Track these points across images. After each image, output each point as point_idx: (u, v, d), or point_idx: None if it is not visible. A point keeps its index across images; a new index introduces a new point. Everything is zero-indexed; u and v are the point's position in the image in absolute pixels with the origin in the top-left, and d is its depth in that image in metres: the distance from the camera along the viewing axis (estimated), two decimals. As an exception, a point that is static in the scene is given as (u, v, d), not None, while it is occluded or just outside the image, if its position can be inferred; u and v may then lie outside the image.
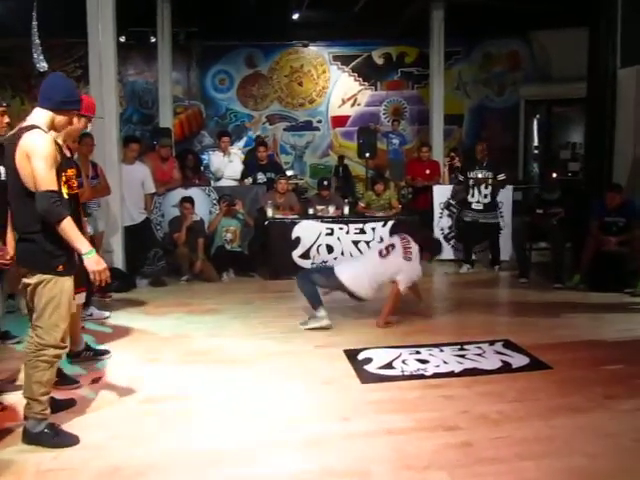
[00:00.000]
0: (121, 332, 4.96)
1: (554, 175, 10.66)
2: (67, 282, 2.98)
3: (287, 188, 7.79)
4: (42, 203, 2.80)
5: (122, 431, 3.16)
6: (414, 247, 5.16)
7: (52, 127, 3.00)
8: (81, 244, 2.93)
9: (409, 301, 5.48)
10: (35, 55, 6.68)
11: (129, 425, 3.24)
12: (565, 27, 10.59)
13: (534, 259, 7.26)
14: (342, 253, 7.22)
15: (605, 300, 6.00)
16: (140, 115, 12.79)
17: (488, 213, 7.45)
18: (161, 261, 7.37)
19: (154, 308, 5.79)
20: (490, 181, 7.38)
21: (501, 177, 7.45)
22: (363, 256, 5.79)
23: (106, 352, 4.34)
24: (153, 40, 10.93)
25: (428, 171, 8.64)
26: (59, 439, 2.99)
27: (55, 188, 2.85)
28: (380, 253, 5.17)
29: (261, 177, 8.09)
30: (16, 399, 3.33)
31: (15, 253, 3.22)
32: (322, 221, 7.26)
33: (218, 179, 8.31)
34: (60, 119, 3.01)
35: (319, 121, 13.26)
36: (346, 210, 7.52)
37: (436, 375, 3.92)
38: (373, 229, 7.27)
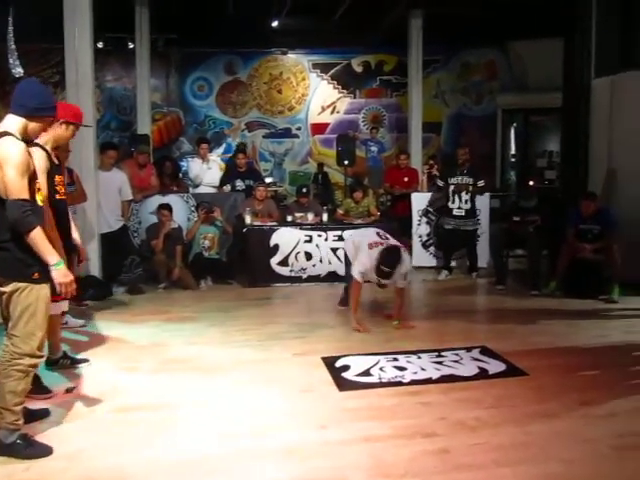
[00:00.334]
0: (97, 340, 4.91)
1: (531, 183, 10.80)
2: (43, 290, 2.94)
3: (266, 195, 7.78)
4: (12, 212, 2.76)
5: (97, 441, 3.12)
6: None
7: (25, 134, 2.95)
8: (50, 255, 2.88)
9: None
10: (11, 60, 6.62)
11: (104, 435, 3.19)
12: (541, 38, 10.74)
13: (511, 266, 7.32)
14: (321, 260, 7.22)
15: (581, 307, 6.08)
16: (118, 121, 12.68)
17: (468, 220, 7.51)
18: (138, 268, 7.30)
19: (131, 316, 5.72)
20: (471, 187, 7.44)
21: (481, 183, 7.51)
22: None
23: (84, 360, 4.29)
24: (131, 46, 10.86)
25: (406, 178, 8.69)
26: (32, 450, 2.93)
27: (26, 197, 2.81)
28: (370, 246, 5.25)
29: (240, 184, 8.07)
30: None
31: None
32: (301, 228, 7.25)
33: (197, 186, 8.27)
34: (34, 126, 2.97)
35: (298, 128, 13.27)
36: (325, 217, 7.52)
37: (413, 382, 3.93)
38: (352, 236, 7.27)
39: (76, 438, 3.14)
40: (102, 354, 4.56)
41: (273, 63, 13.16)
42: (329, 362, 4.28)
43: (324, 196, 11.19)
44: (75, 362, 4.23)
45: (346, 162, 10.51)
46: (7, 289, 2.89)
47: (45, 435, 3.12)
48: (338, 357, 4.38)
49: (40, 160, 3.64)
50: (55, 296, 3.07)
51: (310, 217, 7.43)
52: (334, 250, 7.25)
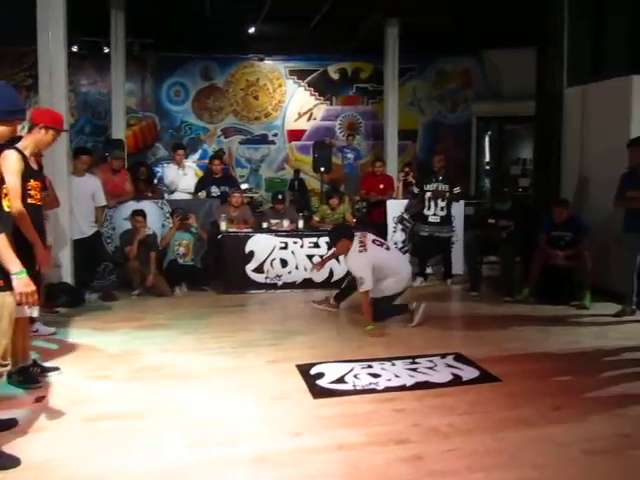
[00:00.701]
0: (68, 348, 4.83)
1: (506, 189, 10.93)
2: (7, 297, 2.88)
3: (241, 202, 7.75)
4: None
5: (66, 451, 3.06)
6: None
7: None
8: (12, 264, 2.83)
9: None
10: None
11: (73, 445, 3.13)
12: (515, 47, 10.89)
13: (485, 273, 7.37)
14: (296, 267, 7.21)
15: (553, 313, 6.15)
16: (92, 126, 12.55)
17: (444, 227, 7.55)
18: (112, 275, 7.22)
19: (103, 323, 5.64)
20: (447, 194, 7.48)
21: (457, 190, 7.56)
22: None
23: (55, 369, 4.21)
24: (106, 50, 10.78)
25: (382, 185, 8.73)
26: (-1, 461, 2.87)
27: None
28: (387, 249, 5.65)
29: (215, 190, 8.03)
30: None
31: None
32: (276, 235, 7.24)
33: (172, 192, 8.22)
34: (2, 129, 2.92)
35: (275, 135, 13.27)
36: (300, 224, 7.51)
37: (388, 389, 3.93)
38: (327, 243, 7.27)
39: (45, 448, 3.08)
40: (73, 362, 4.49)
41: (250, 69, 13.16)
42: (303, 369, 4.27)
43: (300, 203, 11.20)
44: (45, 370, 4.15)
45: (322, 169, 10.53)
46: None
47: (13, 445, 3.05)
48: (312, 364, 4.36)
49: (13, 162, 3.61)
50: None
51: (286, 224, 7.42)
52: (310, 257, 7.24)
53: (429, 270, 7.96)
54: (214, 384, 4.03)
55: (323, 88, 13.39)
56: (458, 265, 7.96)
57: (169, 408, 3.62)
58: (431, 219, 7.50)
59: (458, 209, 8.02)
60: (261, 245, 7.15)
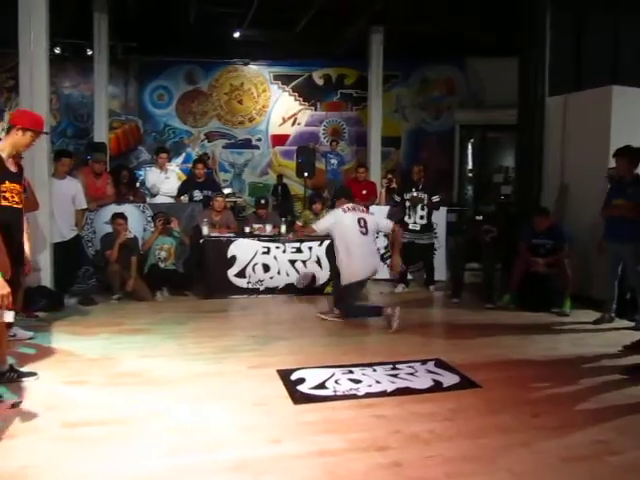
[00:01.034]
0: (46, 353, 4.76)
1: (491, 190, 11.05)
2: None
3: (224, 206, 7.73)
4: None
5: (42, 458, 3.01)
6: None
7: None
8: None
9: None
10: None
11: (50, 451, 3.08)
12: (498, 56, 10.99)
13: (466, 279, 7.41)
14: (278, 272, 7.19)
15: (533, 320, 6.20)
16: (75, 129, 12.44)
17: (424, 234, 7.58)
18: (92, 279, 7.15)
19: (83, 328, 5.58)
20: (425, 202, 7.53)
21: (435, 199, 7.60)
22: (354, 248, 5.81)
23: (32, 374, 4.15)
24: (89, 53, 10.70)
25: (365, 191, 8.75)
26: (-28, 467, 2.82)
27: None
28: (362, 232, 5.53)
29: (198, 195, 8.00)
30: None
31: None
32: (258, 240, 7.22)
33: (154, 195, 8.17)
34: None
35: (259, 139, 13.25)
36: (283, 229, 7.50)
37: (368, 395, 3.92)
38: (310, 248, 7.29)
39: (20, 455, 3.03)
40: (51, 367, 4.42)
41: (234, 74, 13.13)
42: (284, 375, 4.25)
43: (284, 207, 11.18)
44: (22, 376, 4.09)
45: (306, 174, 10.52)
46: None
47: (-13, 452, 3.01)
48: (293, 370, 4.35)
49: None
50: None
51: (268, 229, 7.40)
52: (292, 262, 7.23)
53: (410, 277, 7.98)
54: (194, 390, 3.99)
55: (307, 93, 13.40)
56: (440, 272, 7.99)
57: (148, 414, 3.58)
58: (411, 227, 7.54)
59: (440, 216, 8.07)
60: (243, 250, 7.13)
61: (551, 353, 5.01)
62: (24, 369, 4.22)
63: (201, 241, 7.14)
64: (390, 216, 8.07)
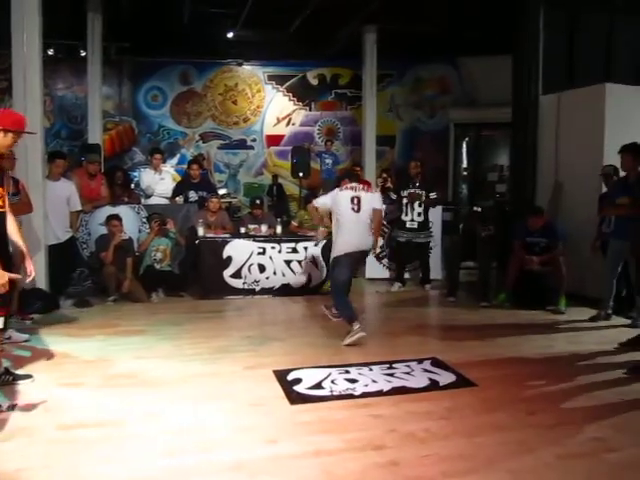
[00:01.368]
0: (41, 355, 4.74)
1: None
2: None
3: (219, 207, 7.73)
4: None
5: (38, 460, 3.00)
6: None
7: None
8: None
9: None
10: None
11: (45, 454, 3.08)
12: (491, 55, 10.99)
13: (462, 278, 7.42)
14: (274, 272, 7.19)
15: (529, 318, 6.22)
16: (69, 130, 12.41)
17: (421, 232, 7.59)
18: (87, 281, 7.13)
19: (78, 330, 5.57)
20: (423, 198, 7.51)
21: (433, 196, 7.59)
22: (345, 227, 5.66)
23: (28, 377, 4.14)
24: (83, 54, 10.67)
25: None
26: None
27: None
28: (353, 209, 5.46)
29: (193, 195, 8.00)
30: None
31: None
32: (254, 240, 7.21)
33: (148, 197, 8.15)
34: None
35: (253, 140, 13.23)
36: (278, 229, 7.50)
37: (365, 394, 3.93)
38: (305, 248, 7.28)
39: (16, 458, 3.02)
40: (46, 370, 4.41)
41: (228, 74, 13.11)
42: (280, 375, 4.25)
43: (279, 208, 11.18)
44: (17, 378, 4.08)
45: (301, 174, 10.53)
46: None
47: (-18, 455, 3.00)
48: (290, 370, 4.35)
49: None
50: None
51: (264, 229, 7.39)
52: (288, 262, 7.23)
53: (407, 275, 7.99)
54: (190, 391, 3.99)
55: (302, 93, 13.39)
56: (436, 270, 8.00)
57: (143, 415, 3.57)
58: (408, 225, 7.53)
59: (436, 215, 8.07)
60: (239, 250, 7.12)
61: (547, 351, 5.03)
62: (19, 371, 4.21)
63: (196, 242, 7.13)
64: (385, 214, 8.10)
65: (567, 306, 6.46)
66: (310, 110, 13.47)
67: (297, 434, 3.34)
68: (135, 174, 10.92)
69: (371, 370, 4.39)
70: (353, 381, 4.15)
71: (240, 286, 7.11)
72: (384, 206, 6.06)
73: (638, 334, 4.94)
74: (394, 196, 7.82)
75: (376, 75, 11.48)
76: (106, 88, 11.57)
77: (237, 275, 7.11)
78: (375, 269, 8.21)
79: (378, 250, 6.18)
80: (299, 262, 7.25)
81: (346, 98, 13.47)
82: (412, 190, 7.53)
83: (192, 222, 7.44)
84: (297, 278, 7.24)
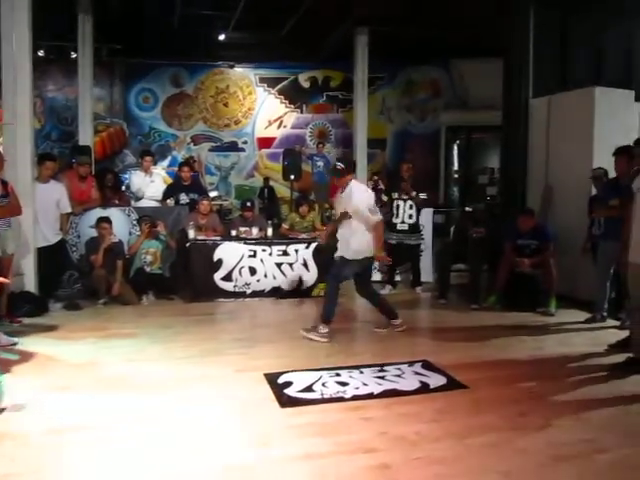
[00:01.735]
0: (30, 358, 4.70)
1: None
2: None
3: (210, 209, 7.71)
4: None
5: (25, 466, 2.97)
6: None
7: None
8: None
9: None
10: None
11: (32, 459, 3.05)
12: (482, 58, 11.05)
13: (453, 280, 7.43)
14: (265, 275, 7.17)
15: (519, 320, 6.23)
16: (59, 132, 12.37)
17: (412, 234, 7.58)
18: (77, 284, 7.07)
19: (68, 333, 5.53)
20: (414, 194, 7.46)
21: (423, 196, 7.57)
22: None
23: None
24: (74, 55, 10.63)
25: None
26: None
27: None
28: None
29: (184, 198, 7.97)
30: None
31: None
32: (245, 243, 7.19)
33: (139, 199, 8.12)
34: None
35: (244, 142, 13.24)
36: (269, 232, 7.48)
37: (355, 397, 3.92)
38: (296, 251, 7.27)
39: (4, 462, 2.99)
40: (35, 373, 4.38)
41: (220, 76, 13.12)
42: (271, 378, 4.23)
43: (270, 210, 11.19)
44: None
45: (292, 177, 10.52)
46: None
47: (-30, 460, 2.96)
48: (280, 373, 4.33)
49: None
50: None
51: (254, 232, 7.38)
52: (279, 265, 7.22)
53: (398, 278, 7.99)
54: (180, 394, 3.97)
55: (293, 96, 13.42)
56: (427, 273, 8.01)
57: (133, 419, 3.55)
58: (399, 227, 7.53)
59: (427, 217, 8.08)
60: (229, 253, 7.10)
61: (537, 353, 5.04)
62: (7, 375, 4.16)
63: (187, 244, 7.10)
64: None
65: (557, 308, 6.48)
66: (301, 112, 13.50)
67: (288, 437, 3.33)
68: (126, 176, 10.88)
69: (362, 373, 4.38)
70: (344, 384, 4.14)
71: (231, 289, 7.09)
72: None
73: (627, 336, 4.95)
74: (385, 198, 7.82)
75: (367, 78, 11.51)
76: (97, 90, 11.56)
77: (228, 278, 7.08)
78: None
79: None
80: (290, 265, 7.24)
81: (338, 101, 13.51)
82: (402, 194, 7.50)
83: (183, 225, 7.41)
84: (288, 281, 7.23)
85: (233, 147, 13.22)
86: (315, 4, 9.26)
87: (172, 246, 7.27)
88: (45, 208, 6.47)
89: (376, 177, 9.86)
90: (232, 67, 13.11)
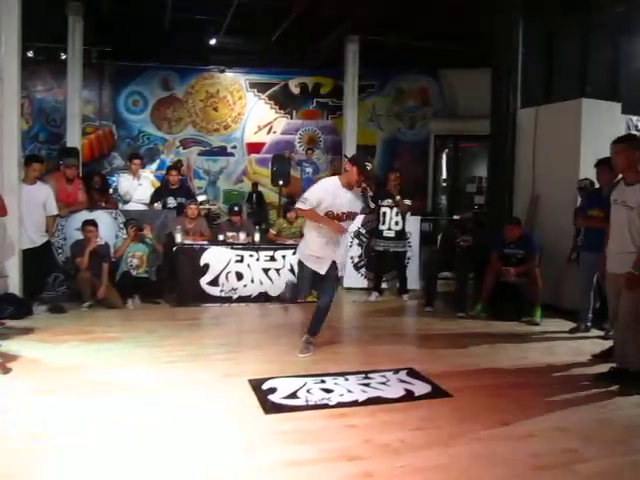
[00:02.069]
0: (13, 361, 4.64)
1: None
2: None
3: (197, 213, 7.69)
4: None
5: (7, 470, 2.93)
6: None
7: None
8: None
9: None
10: None
11: (13, 464, 3.01)
12: (471, 68, 11.13)
13: (439, 288, 7.46)
14: (252, 280, 7.16)
15: (504, 329, 6.26)
16: (47, 133, 12.28)
17: (399, 242, 7.60)
18: (62, 286, 7.02)
19: (51, 336, 5.48)
20: (398, 198, 7.45)
21: (407, 202, 7.56)
22: None
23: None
24: (64, 57, 10.58)
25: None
26: None
27: None
28: None
29: (171, 202, 7.95)
30: None
31: None
32: (232, 248, 7.18)
33: (126, 202, 8.09)
34: None
35: (234, 147, 13.21)
36: (257, 237, 7.47)
37: (340, 404, 3.92)
38: (284, 256, 7.27)
39: (-19, 467, 2.96)
40: (17, 376, 4.33)
41: (210, 81, 13.09)
42: (256, 384, 4.22)
43: (258, 216, 11.16)
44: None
45: (281, 182, 10.52)
46: None
47: (-51, 464, 2.93)
48: (265, 379, 4.32)
49: None
50: None
51: (242, 237, 7.36)
52: (266, 270, 7.21)
53: (385, 285, 8.01)
54: (165, 399, 3.94)
55: (283, 102, 13.42)
56: (413, 280, 8.03)
57: (115, 424, 3.52)
58: (386, 234, 7.55)
59: (414, 225, 8.11)
60: (216, 258, 7.08)
61: (521, 362, 5.06)
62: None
63: (174, 248, 7.08)
64: (364, 224, 8.14)
65: (542, 317, 6.52)
66: (291, 118, 13.49)
67: (271, 444, 3.31)
68: (113, 179, 10.83)
69: (347, 380, 4.38)
70: (328, 391, 4.14)
71: (217, 294, 7.07)
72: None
73: (610, 346, 4.99)
74: (372, 205, 7.84)
75: (357, 85, 11.55)
76: (86, 92, 11.48)
77: (214, 283, 7.06)
78: (353, 278, 8.22)
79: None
80: (277, 270, 7.23)
81: (327, 107, 13.53)
82: (389, 200, 7.52)
83: (170, 228, 7.38)
84: (275, 286, 7.22)
85: (222, 152, 13.18)
86: (306, 11, 9.28)
87: (159, 250, 7.23)
88: (31, 210, 6.42)
89: (364, 184, 9.86)
90: (223, 72, 13.08)
